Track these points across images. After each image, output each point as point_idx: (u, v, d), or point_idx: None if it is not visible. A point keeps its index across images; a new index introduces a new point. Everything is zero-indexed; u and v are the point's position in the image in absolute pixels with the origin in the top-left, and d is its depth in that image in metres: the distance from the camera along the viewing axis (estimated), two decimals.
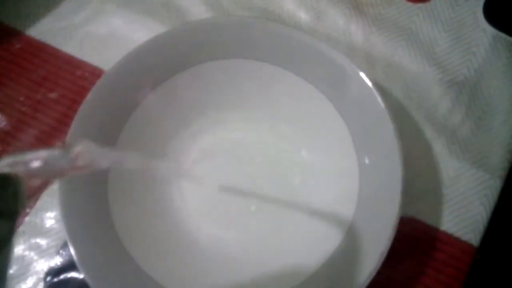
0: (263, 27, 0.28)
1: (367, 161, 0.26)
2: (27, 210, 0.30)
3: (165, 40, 0.28)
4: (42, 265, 0.29)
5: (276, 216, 0.29)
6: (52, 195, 0.30)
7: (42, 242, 0.29)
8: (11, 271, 0.28)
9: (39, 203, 0.30)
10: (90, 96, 0.26)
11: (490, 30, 0.33)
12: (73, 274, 0.28)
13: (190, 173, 0.30)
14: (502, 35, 0.32)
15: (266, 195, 0.29)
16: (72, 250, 0.24)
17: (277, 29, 0.28)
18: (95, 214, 0.26)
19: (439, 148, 0.30)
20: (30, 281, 0.28)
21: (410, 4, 0.34)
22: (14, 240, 0.15)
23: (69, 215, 0.25)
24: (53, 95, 0.33)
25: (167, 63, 0.28)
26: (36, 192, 0.16)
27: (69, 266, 0.29)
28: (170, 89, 0.29)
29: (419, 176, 0.29)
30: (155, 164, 0.28)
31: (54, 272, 0.29)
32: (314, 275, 0.25)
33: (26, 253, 0.29)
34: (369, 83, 0.25)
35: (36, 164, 0.16)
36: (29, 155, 0.16)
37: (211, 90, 0.30)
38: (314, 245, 0.26)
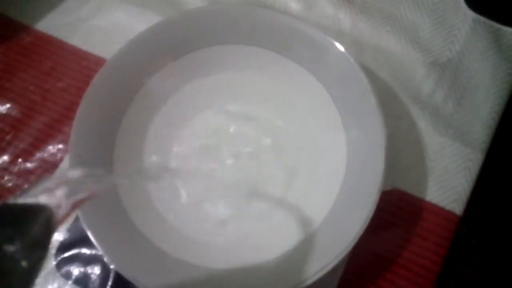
0: (251, 13, 0.29)
1: (354, 133, 0.28)
2: None
3: (162, 28, 0.29)
4: (54, 242, 0.30)
5: (273, 187, 0.30)
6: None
7: None
8: None
9: None
10: (95, 80, 0.28)
11: (470, 14, 0.34)
12: (81, 250, 0.30)
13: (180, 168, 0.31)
14: (482, 18, 0.34)
15: (259, 175, 0.30)
16: (84, 226, 0.26)
17: (263, 14, 0.29)
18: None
19: (424, 124, 0.31)
20: None
21: None
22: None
23: None
24: (60, 84, 0.34)
25: (165, 49, 0.30)
26: (64, 219, 0.17)
27: (78, 242, 0.30)
28: (168, 74, 0.31)
29: (405, 151, 0.31)
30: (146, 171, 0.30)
31: (65, 247, 0.30)
32: (304, 241, 0.27)
33: None
34: (351, 58, 0.27)
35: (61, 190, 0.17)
36: (51, 182, 0.17)
37: (205, 74, 0.31)
38: (307, 213, 0.28)
